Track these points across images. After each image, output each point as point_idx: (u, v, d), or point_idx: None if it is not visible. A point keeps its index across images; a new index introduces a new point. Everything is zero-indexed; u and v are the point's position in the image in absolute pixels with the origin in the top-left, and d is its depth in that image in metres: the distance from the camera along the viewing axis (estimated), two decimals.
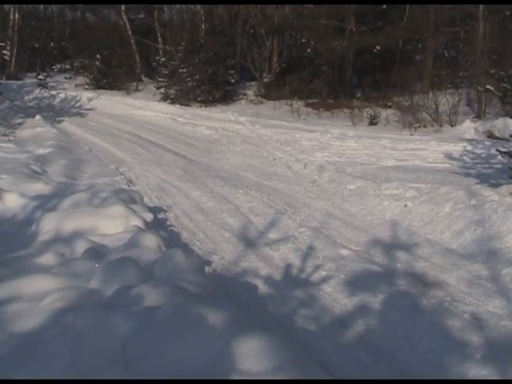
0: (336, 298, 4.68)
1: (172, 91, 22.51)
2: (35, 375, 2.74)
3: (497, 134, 13.65)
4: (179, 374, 2.72)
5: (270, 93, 21.81)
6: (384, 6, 20.20)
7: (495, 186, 7.69)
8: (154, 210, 7.07)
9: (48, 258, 4.64)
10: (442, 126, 15.64)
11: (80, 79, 27.98)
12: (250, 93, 23.40)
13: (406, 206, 7.40)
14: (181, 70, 22.00)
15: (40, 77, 25.60)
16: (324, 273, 5.21)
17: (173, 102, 21.85)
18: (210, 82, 21.90)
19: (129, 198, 7.08)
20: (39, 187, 7.41)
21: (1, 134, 13.53)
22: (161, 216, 7.20)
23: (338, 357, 3.67)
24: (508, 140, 9.44)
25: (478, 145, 12.62)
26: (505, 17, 18.19)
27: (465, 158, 11.50)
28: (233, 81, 23.23)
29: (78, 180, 9.17)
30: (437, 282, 5.04)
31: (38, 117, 16.86)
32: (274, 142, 13.66)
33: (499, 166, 9.95)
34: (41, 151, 10.98)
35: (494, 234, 5.95)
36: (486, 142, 12.77)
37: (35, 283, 3.88)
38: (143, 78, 27.82)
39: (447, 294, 4.73)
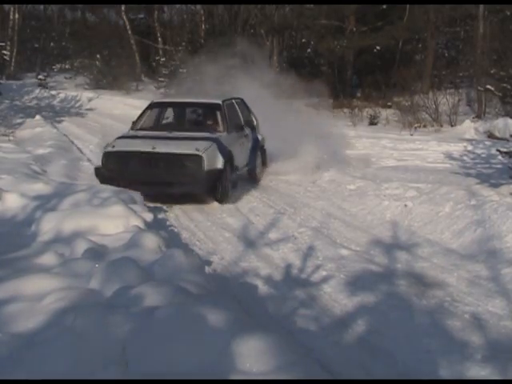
0: (336, 298, 4.68)
1: (172, 91, 22.49)
2: (35, 375, 2.74)
3: (497, 134, 13.66)
4: (179, 374, 2.72)
5: (270, 93, 21.77)
6: (384, 6, 20.22)
7: (495, 185, 7.70)
8: (154, 210, 7.06)
9: (48, 258, 4.63)
10: (442, 126, 15.65)
11: (80, 79, 27.98)
12: None
13: (406, 205, 7.40)
14: (181, 70, 22.02)
15: (40, 77, 25.61)
16: (324, 273, 5.20)
17: None
18: (210, 83, 21.86)
19: (129, 198, 7.08)
20: (39, 187, 7.40)
21: (1, 134, 13.53)
22: (161, 216, 7.20)
23: (337, 356, 3.66)
24: (508, 140, 9.46)
25: (478, 145, 12.62)
26: (505, 17, 18.19)
27: (465, 158, 11.51)
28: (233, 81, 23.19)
29: (78, 180, 9.16)
30: (437, 282, 5.04)
31: (37, 117, 16.85)
32: None
33: (499, 165, 9.95)
34: (41, 151, 10.97)
35: (494, 233, 5.94)
36: (486, 142, 12.77)
37: (35, 283, 3.88)
38: (143, 78, 27.84)
39: (447, 294, 4.73)
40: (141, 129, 8.82)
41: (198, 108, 9.65)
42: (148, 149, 7.79)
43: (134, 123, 8.94)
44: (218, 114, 8.93)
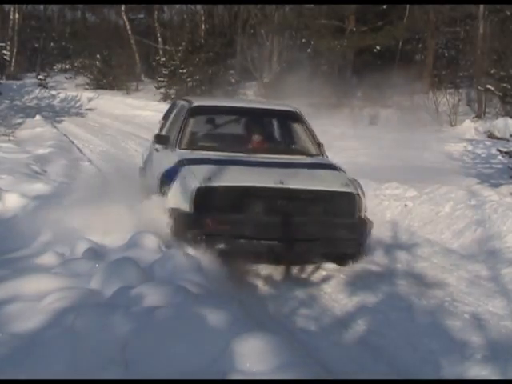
0: (336, 298, 4.68)
1: (172, 91, 22.56)
2: (35, 375, 2.74)
3: (497, 134, 13.66)
4: (179, 374, 2.72)
5: (270, 93, 21.81)
6: (384, 6, 20.26)
7: (495, 185, 7.70)
8: None
9: (48, 258, 4.64)
10: (442, 126, 15.65)
11: (80, 79, 28.03)
12: (250, 93, 23.41)
13: (406, 205, 7.40)
14: (181, 70, 22.05)
15: (40, 77, 25.65)
16: (324, 273, 5.20)
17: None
18: (210, 82, 21.93)
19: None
20: (39, 187, 7.41)
21: (1, 133, 13.54)
22: None
23: (337, 356, 3.66)
24: (508, 140, 9.46)
25: (478, 145, 12.63)
26: (505, 17, 18.19)
27: (465, 158, 11.51)
28: (233, 81, 23.26)
29: (79, 180, 9.15)
30: (437, 281, 5.03)
31: (37, 117, 16.87)
32: None
33: (499, 166, 9.96)
34: (41, 151, 10.97)
35: (494, 233, 5.95)
36: (486, 142, 12.78)
37: (35, 283, 3.88)
38: (143, 78, 27.87)
39: (447, 293, 4.73)
40: (196, 147, 5.84)
41: (267, 118, 6.67)
42: (273, 183, 4.94)
43: (180, 139, 5.86)
44: (300, 127, 6.39)
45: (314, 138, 6.26)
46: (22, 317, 3.44)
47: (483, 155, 11.56)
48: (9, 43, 27.53)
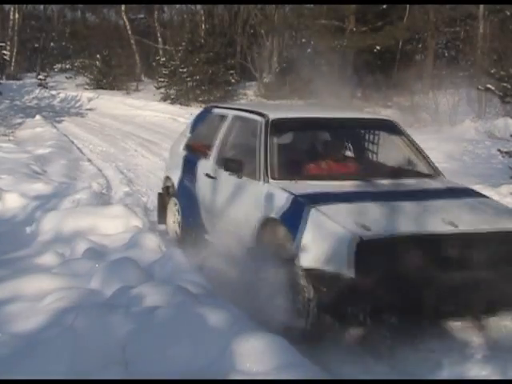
0: None
1: (172, 91, 22.55)
2: (35, 375, 2.74)
3: (497, 134, 13.64)
4: (179, 374, 2.72)
5: (270, 93, 21.83)
6: (384, 6, 20.26)
7: (495, 185, 7.69)
8: (155, 210, 7.05)
9: (48, 258, 4.64)
10: (441, 125, 15.64)
11: (80, 79, 28.02)
12: (250, 93, 23.44)
13: None
14: (181, 70, 22.06)
15: (40, 77, 25.65)
16: None
17: (173, 101, 21.91)
18: (210, 82, 21.96)
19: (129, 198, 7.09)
20: (39, 187, 7.41)
21: (1, 134, 13.55)
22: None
23: (337, 356, 3.66)
24: (508, 140, 9.46)
25: (478, 145, 12.62)
26: (505, 17, 18.20)
27: (465, 158, 11.49)
28: (233, 81, 23.28)
29: (78, 180, 9.16)
30: None
31: (37, 117, 16.88)
32: None
33: (499, 166, 9.95)
34: (41, 151, 10.98)
35: None
36: (486, 142, 12.76)
37: (35, 283, 3.89)
38: (143, 78, 27.87)
39: None
40: (295, 177, 4.27)
41: (366, 131, 5.24)
42: (444, 226, 3.59)
43: (270, 166, 4.28)
44: (404, 141, 5.05)
45: (422, 153, 5.10)
46: (22, 317, 3.45)
47: (483, 155, 11.55)
48: (9, 43, 27.52)
